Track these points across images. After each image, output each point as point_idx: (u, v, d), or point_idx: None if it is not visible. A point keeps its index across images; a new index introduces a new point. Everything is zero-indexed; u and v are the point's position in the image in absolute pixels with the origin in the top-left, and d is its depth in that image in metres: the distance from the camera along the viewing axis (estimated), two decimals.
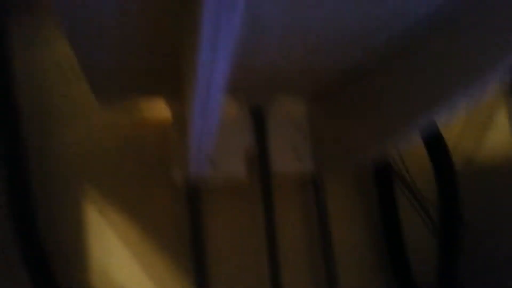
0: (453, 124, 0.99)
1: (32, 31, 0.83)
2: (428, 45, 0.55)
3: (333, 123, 0.83)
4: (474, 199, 0.93)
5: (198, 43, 0.34)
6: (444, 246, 0.84)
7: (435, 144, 0.84)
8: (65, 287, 0.74)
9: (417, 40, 0.56)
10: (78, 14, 0.43)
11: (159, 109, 0.84)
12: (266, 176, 0.85)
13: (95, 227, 0.81)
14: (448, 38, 0.52)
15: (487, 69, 0.47)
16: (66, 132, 0.83)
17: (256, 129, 0.85)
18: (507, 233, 0.87)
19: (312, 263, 0.90)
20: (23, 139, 0.71)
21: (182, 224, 0.83)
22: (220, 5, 0.31)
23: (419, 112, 0.57)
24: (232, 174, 0.83)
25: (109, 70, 0.60)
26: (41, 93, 0.83)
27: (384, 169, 0.91)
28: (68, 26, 0.46)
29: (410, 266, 0.89)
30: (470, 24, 0.49)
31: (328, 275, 0.87)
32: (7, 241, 0.70)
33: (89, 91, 0.66)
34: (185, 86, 0.49)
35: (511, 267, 0.87)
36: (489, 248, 0.92)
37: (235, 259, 0.86)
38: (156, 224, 0.84)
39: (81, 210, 0.81)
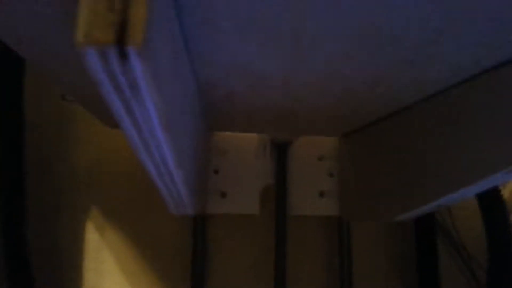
0: None
1: None
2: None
3: (363, 162, 0.71)
4: None
5: None
6: None
7: (489, 197, 0.70)
8: None
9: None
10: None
11: None
12: (282, 215, 0.77)
13: (93, 249, 0.77)
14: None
15: None
16: (77, 154, 0.80)
17: (277, 165, 0.78)
18: None
19: None
20: (24, 155, 0.69)
21: (185, 253, 0.78)
22: None
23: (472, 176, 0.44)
24: (245, 211, 0.77)
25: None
26: (54, 112, 0.81)
27: (426, 219, 0.78)
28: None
29: None
30: None
31: None
32: None
33: None
34: None
35: None
36: None
37: None
38: (156, 251, 0.78)
39: (81, 231, 0.78)
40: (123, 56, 0.20)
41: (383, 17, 0.30)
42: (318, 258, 0.81)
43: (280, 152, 0.78)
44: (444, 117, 0.44)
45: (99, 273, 0.77)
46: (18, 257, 0.67)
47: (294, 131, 0.74)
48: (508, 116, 0.36)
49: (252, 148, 0.78)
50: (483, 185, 0.39)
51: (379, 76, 0.40)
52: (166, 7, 0.27)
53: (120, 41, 0.20)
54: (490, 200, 0.69)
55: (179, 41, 0.31)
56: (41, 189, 0.77)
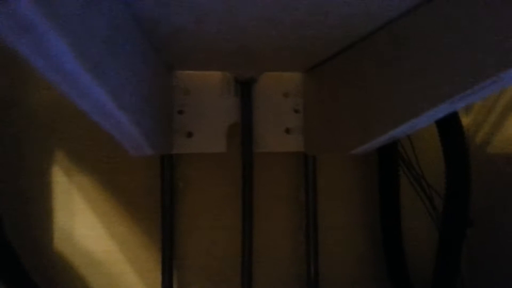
0: (477, 111, 0.85)
1: None
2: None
3: (326, 97, 0.71)
4: (483, 192, 0.81)
5: None
6: (445, 241, 0.75)
7: (450, 130, 0.71)
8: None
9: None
10: None
11: None
12: (249, 152, 0.77)
13: (62, 191, 0.77)
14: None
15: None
16: (36, 97, 0.77)
17: (243, 103, 0.77)
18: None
19: (292, 246, 0.84)
20: None
21: (155, 191, 0.79)
22: None
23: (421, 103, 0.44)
24: (212, 149, 0.77)
25: None
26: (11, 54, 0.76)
27: (388, 150, 0.80)
28: None
29: (406, 259, 0.81)
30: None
31: (309, 260, 0.81)
32: None
33: None
34: None
35: None
36: (493, 247, 0.81)
37: (207, 231, 0.81)
38: (126, 190, 0.79)
39: (48, 175, 0.78)
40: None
41: None
42: (284, 193, 0.84)
43: (245, 89, 0.77)
44: (394, 48, 0.43)
45: (70, 214, 0.78)
46: None
47: (257, 67, 0.72)
48: (453, 45, 0.35)
49: (216, 86, 0.77)
50: (431, 115, 0.39)
51: (326, 3, 0.38)
52: None
53: None
54: (449, 130, 0.70)
55: None
56: (3, 136, 0.75)
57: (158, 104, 0.60)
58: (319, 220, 0.82)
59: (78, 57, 0.25)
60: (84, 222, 0.79)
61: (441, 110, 0.39)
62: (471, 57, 0.33)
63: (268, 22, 0.43)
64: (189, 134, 0.76)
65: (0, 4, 0.19)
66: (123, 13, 0.37)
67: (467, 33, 0.34)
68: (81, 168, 0.79)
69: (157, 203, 0.79)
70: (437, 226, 0.79)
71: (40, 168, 0.78)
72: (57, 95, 0.78)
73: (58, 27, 0.22)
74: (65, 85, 0.29)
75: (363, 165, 0.86)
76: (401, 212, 0.80)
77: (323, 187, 0.83)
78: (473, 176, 0.71)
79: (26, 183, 0.77)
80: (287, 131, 0.79)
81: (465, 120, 0.86)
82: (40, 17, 0.21)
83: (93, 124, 0.76)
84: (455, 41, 0.36)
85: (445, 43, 0.35)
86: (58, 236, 0.78)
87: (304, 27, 0.46)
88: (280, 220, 0.84)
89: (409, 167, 0.81)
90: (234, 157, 0.79)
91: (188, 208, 0.81)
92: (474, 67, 0.34)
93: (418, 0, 0.37)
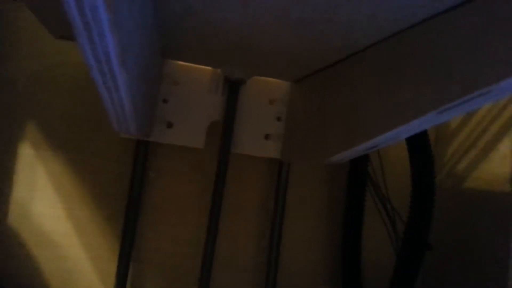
0: (446, 140, 0.90)
1: None
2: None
3: (310, 108, 0.73)
4: (451, 221, 0.86)
5: None
6: (401, 265, 0.77)
7: (420, 156, 0.75)
8: None
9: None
10: None
11: None
12: (226, 152, 0.78)
13: (26, 164, 0.74)
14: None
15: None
16: (16, 65, 0.74)
17: (228, 103, 0.78)
18: (472, 263, 0.80)
19: (254, 252, 0.84)
20: None
21: (124, 178, 0.77)
22: None
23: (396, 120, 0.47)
24: (190, 143, 0.77)
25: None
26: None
27: (358, 170, 0.83)
28: None
29: (361, 278, 0.82)
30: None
31: (269, 268, 0.81)
32: None
33: None
34: None
35: None
36: (450, 273, 0.84)
37: (171, 227, 0.80)
38: (95, 173, 0.77)
39: (14, 144, 0.74)
40: None
41: None
42: (254, 197, 0.84)
43: (233, 90, 0.78)
44: (385, 63, 0.46)
45: (31, 187, 0.75)
46: None
47: (249, 69, 0.74)
48: (438, 60, 0.38)
49: (205, 81, 0.77)
50: (415, 125, 0.42)
51: (336, 3, 0.40)
52: None
53: None
54: (420, 158, 0.74)
55: None
56: None
57: (149, 86, 0.60)
58: (284, 229, 0.83)
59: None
60: (44, 200, 0.75)
61: (428, 120, 0.41)
62: (462, 69, 0.36)
63: (276, 14, 0.45)
64: (169, 124, 0.76)
65: None
66: None
67: (460, 49, 0.37)
68: (51, 143, 0.76)
69: (124, 191, 0.77)
70: (395, 249, 0.82)
71: (9, 137, 0.75)
72: (38, 66, 0.76)
73: None
74: (81, 24, 0.29)
75: (333, 181, 0.88)
76: (363, 231, 0.82)
77: (292, 198, 0.84)
78: (437, 203, 0.74)
79: None
80: (267, 137, 0.80)
81: (435, 148, 0.90)
82: None
83: (70, 102, 0.76)
84: (448, 54, 0.39)
85: (437, 57, 0.38)
86: (14, 210, 0.74)
87: (308, 27, 0.48)
88: (246, 224, 0.84)
89: (376, 189, 0.84)
90: (210, 154, 0.80)
91: (156, 201, 0.80)
92: (464, 79, 0.36)
93: (422, 17, 0.41)
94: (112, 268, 0.76)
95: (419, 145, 0.74)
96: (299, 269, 0.86)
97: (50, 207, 0.76)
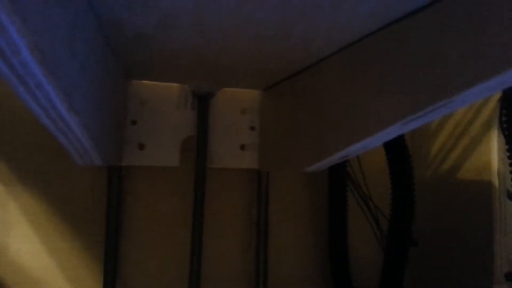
0: (423, 136, 0.90)
1: None
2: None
3: (283, 115, 0.72)
4: (434, 213, 0.86)
5: None
6: (388, 260, 0.77)
7: (396, 153, 0.75)
8: None
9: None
10: None
11: None
12: (202, 167, 0.76)
13: None
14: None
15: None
16: None
17: (199, 117, 0.76)
18: (455, 256, 0.80)
19: (242, 263, 0.83)
20: None
21: (100, 204, 0.75)
22: None
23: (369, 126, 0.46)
24: (165, 163, 0.75)
25: None
26: None
27: (338, 171, 0.82)
28: None
29: (351, 277, 0.82)
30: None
31: (258, 278, 0.80)
32: None
33: None
34: None
35: None
36: (437, 266, 0.85)
37: (154, 249, 0.78)
38: (69, 202, 0.74)
39: None
40: None
41: None
42: (237, 208, 0.83)
43: (202, 104, 0.77)
44: (347, 71, 0.45)
45: (5, 225, 0.72)
46: None
47: (215, 82, 0.72)
48: (404, 70, 0.37)
49: (173, 98, 0.76)
50: (382, 136, 0.41)
51: (290, 21, 0.39)
52: None
53: None
54: (396, 156, 0.74)
55: None
56: None
57: (111, 112, 0.58)
58: (270, 237, 0.82)
59: (31, 48, 0.24)
60: (20, 236, 0.73)
61: (394, 131, 0.41)
62: (425, 80, 0.35)
63: (232, 32, 0.43)
64: (141, 146, 0.74)
65: None
66: (86, 14, 0.35)
67: (419, 59, 0.36)
68: (20, 177, 0.74)
69: (102, 218, 0.75)
70: (381, 246, 0.82)
71: None
72: None
73: (19, 20, 0.21)
74: (14, 79, 0.27)
75: (314, 185, 0.88)
76: (348, 231, 0.82)
77: (275, 205, 0.83)
78: (418, 198, 0.74)
79: None
80: (242, 147, 0.79)
81: (411, 145, 0.91)
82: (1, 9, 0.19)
83: (34, 131, 0.73)
84: (408, 66, 0.38)
85: (398, 68, 0.37)
86: None
87: (267, 42, 0.47)
88: (231, 237, 0.82)
89: (357, 188, 0.83)
90: (186, 171, 0.78)
91: (135, 224, 0.78)
92: (427, 90, 0.36)
93: (374, 27, 0.40)
94: None
95: (394, 143, 0.73)
96: (288, 275, 0.86)
97: (27, 243, 0.73)
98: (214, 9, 0.38)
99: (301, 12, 0.37)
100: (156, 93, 0.75)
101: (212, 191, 0.79)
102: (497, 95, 0.71)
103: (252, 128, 0.79)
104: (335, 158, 0.49)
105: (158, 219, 0.79)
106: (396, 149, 0.74)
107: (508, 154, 0.65)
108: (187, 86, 0.75)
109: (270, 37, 0.45)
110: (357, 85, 0.44)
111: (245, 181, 0.83)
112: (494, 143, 0.71)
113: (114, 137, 0.64)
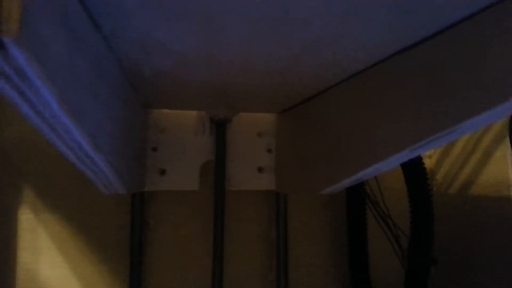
0: (450, 152, 0.90)
1: None
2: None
3: (298, 138, 0.74)
4: (454, 231, 0.85)
5: None
6: (410, 279, 0.77)
7: (414, 173, 0.75)
8: None
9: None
10: None
11: None
12: (221, 190, 0.78)
13: (27, 229, 0.75)
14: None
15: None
16: (6, 133, 0.76)
17: (217, 142, 0.79)
18: (477, 270, 0.79)
19: (262, 285, 0.84)
20: None
21: (124, 229, 0.77)
22: None
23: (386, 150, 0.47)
24: (185, 187, 0.78)
25: None
26: None
27: (356, 190, 0.83)
28: None
29: None
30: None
31: None
32: None
33: None
34: None
35: None
36: (458, 283, 0.84)
37: (177, 272, 0.80)
38: (95, 228, 0.77)
39: (14, 211, 0.75)
40: (1, 45, 0.20)
41: (285, 2, 0.31)
42: (256, 231, 0.84)
43: (220, 129, 0.79)
44: (360, 97, 0.47)
45: (35, 252, 0.76)
46: None
47: (232, 108, 0.75)
48: (409, 99, 0.38)
49: (191, 125, 0.78)
50: (391, 161, 0.42)
51: (296, 55, 0.42)
52: None
53: None
54: (414, 174, 0.74)
55: (81, 22, 0.31)
56: None
57: (132, 143, 0.61)
58: (290, 259, 0.83)
59: (61, 103, 0.27)
60: (49, 262, 0.76)
61: (402, 157, 0.42)
62: (431, 109, 0.36)
63: (242, 68, 0.46)
64: (162, 172, 0.77)
65: None
66: (107, 58, 0.38)
67: (423, 88, 0.37)
68: (48, 205, 0.77)
69: (126, 242, 0.78)
70: (402, 264, 0.81)
71: (7, 204, 0.76)
72: (27, 132, 0.77)
73: (45, 75, 0.23)
74: (46, 127, 0.30)
75: (332, 204, 0.88)
76: (369, 250, 0.82)
77: (294, 226, 0.84)
78: (437, 216, 0.74)
79: None
80: (260, 170, 0.81)
81: (429, 163, 0.91)
82: (29, 64, 0.22)
83: (61, 161, 0.76)
84: (412, 95, 0.40)
85: (403, 97, 0.39)
86: (21, 276, 0.75)
87: (276, 73, 0.49)
88: (251, 259, 0.84)
89: (376, 207, 0.84)
90: (206, 195, 0.80)
91: (158, 247, 0.80)
92: (433, 119, 0.37)
93: (384, 55, 0.41)
94: None
95: (411, 161, 0.74)
96: None
97: (55, 268, 0.76)
98: (223, 48, 0.40)
99: (306, 47, 0.39)
100: (175, 120, 0.78)
101: (232, 213, 0.81)
102: None
103: (269, 151, 0.81)
104: (347, 182, 0.51)
105: (180, 242, 0.81)
106: (413, 168, 0.74)
107: None
108: (205, 112, 0.77)
109: (278, 69, 0.47)
110: (365, 112, 0.46)
111: (263, 203, 0.85)
112: (509, 156, 0.70)
113: (136, 165, 0.67)
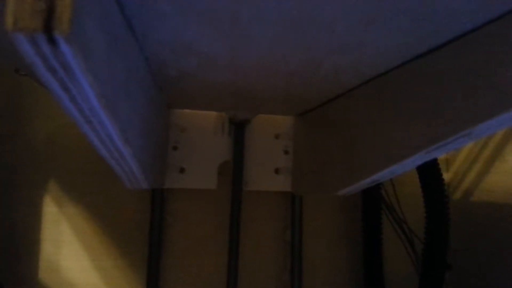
0: (461, 156, 0.90)
1: None
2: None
3: (315, 140, 0.75)
4: (467, 236, 0.85)
5: None
6: (424, 284, 0.77)
7: (430, 178, 0.75)
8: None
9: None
10: None
11: None
12: (238, 190, 0.80)
13: (51, 221, 0.78)
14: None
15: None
16: (33, 129, 0.80)
17: (235, 143, 0.81)
18: (493, 274, 0.79)
19: (276, 284, 0.85)
20: None
21: (143, 225, 0.80)
22: None
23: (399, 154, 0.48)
24: (203, 185, 0.80)
25: None
26: (15, 87, 0.80)
27: (372, 194, 0.83)
28: None
29: None
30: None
31: None
32: None
33: None
34: None
35: None
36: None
37: (193, 268, 0.82)
38: (114, 223, 0.80)
39: (38, 204, 0.79)
40: (52, 41, 0.22)
41: (313, 5, 0.33)
42: (271, 232, 0.86)
43: (238, 130, 0.81)
44: (377, 100, 0.48)
45: (57, 244, 0.79)
46: None
47: (251, 110, 0.77)
48: (429, 101, 0.39)
49: (211, 125, 0.80)
50: (407, 163, 0.43)
51: (319, 58, 0.43)
52: None
53: (48, 28, 0.21)
54: (430, 179, 0.75)
55: (118, 22, 0.33)
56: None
57: (156, 141, 0.63)
58: (304, 260, 0.84)
59: (99, 97, 0.29)
60: (71, 254, 0.79)
61: (418, 159, 0.43)
62: (447, 111, 0.37)
63: (265, 71, 0.48)
64: (182, 170, 0.79)
65: (46, 46, 0.22)
66: (138, 57, 0.41)
67: (440, 91, 0.39)
68: (72, 199, 0.80)
69: (145, 238, 0.80)
70: (417, 269, 0.81)
71: (32, 198, 0.79)
72: (53, 128, 0.81)
73: (88, 70, 0.26)
74: (82, 120, 0.32)
75: (347, 208, 0.89)
76: (383, 255, 0.83)
77: (309, 228, 0.85)
78: (453, 224, 0.74)
79: (18, 211, 0.78)
80: (276, 171, 0.82)
81: (447, 175, 0.91)
82: (75, 60, 0.24)
83: (85, 159, 0.80)
84: (429, 99, 0.41)
85: (420, 100, 0.40)
86: (44, 266, 0.78)
87: (298, 76, 0.50)
88: (265, 259, 0.85)
89: (391, 212, 0.84)
90: (223, 194, 0.82)
91: (175, 243, 0.82)
92: (449, 121, 0.38)
93: (402, 60, 0.43)
94: None
95: (427, 166, 0.74)
96: None
97: (76, 260, 0.79)
98: (248, 52, 0.42)
99: (328, 51, 0.41)
100: (195, 120, 0.80)
101: (248, 213, 0.82)
102: None
103: (286, 152, 0.82)
104: (364, 183, 0.52)
105: (197, 239, 0.83)
106: (429, 173, 0.74)
107: None
108: (225, 113, 0.79)
109: (299, 72, 0.48)
110: (382, 115, 0.47)
111: (279, 204, 0.86)
112: None
113: (158, 162, 0.70)
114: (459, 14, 0.34)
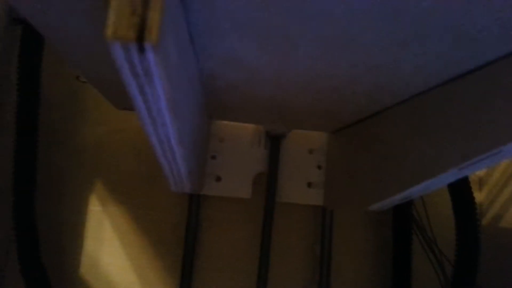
0: (495, 175, 0.90)
1: None
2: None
3: (348, 157, 0.78)
4: (497, 258, 0.84)
5: None
6: None
7: (462, 200, 0.76)
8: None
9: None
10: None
11: None
12: (271, 201, 0.83)
13: (94, 219, 0.84)
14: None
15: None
16: (85, 132, 0.86)
17: (271, 155, 0.84)
18: None
19: None
20: (37, 133, 0.75)
21: (179, 228, 0.84)
22: None
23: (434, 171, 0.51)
24: (238, 194, 0.83)
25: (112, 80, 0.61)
26: (71, 95, 0.87)
27: (403, 213, 0.84)
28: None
29: None
30: None
31: None
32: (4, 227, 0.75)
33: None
34: None
35: None
36: None
37: (225, 273, 0.85)
38: (153, 224, 0.85)
39: (84, 203, 0.84)
40: (141, 50, 0.27)
41: (355, 28, 0.36)
42: (301, 244, 0.88)
43: (274, 143, 0.85)
44: (408, 120, 0.51)
45: (99, 241, 0.84)
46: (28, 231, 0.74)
47: (287, 124, 0.80)
48: (457, 123, 0.42)
49: (248, 137, 0.85)
50: (439, 180, 0.45)
51: (357, 76, 0.47)
52: (176, 10, 0.33)
53: (140, 39, 0.26)
54: (461, 200, 0.75)
55: (185, 37, 0.38)
56: (50, 164, 0.83)
57: (200, 148, 0.68)
58: (332, 274, 0.85)
59: (169, 100, 0.33)
60: (110, 251, 0.84)
61: (451, 176, 0.45)
62: (473, 133, 0.40)
63: (307, 86, 0.51)
64: (218, 178, 0.83)
65: (136, 54, 0.27)
66: (195, 68, 0.46)
67: (472, 112, 0.41)
68: (115, 199, 0.86)
69: (180, 240, 0.84)
70: None
71: (78, 196, 0.85)
72: (101, 133, 0.87)
73: (165, 76, 0.30)
74: (148, 120, 0.37)
75: (378, 226, 0.90)
76: (412, 275, 0.83)
77: (339, 243, 0.87)
78: (484, 248, 0.74)
79: (65, 209, 0.84)
80: (309, 185, 0.85)
81: (479, 195, 0.91)
82: (157, 66, 0.29)
83: (128, 160, 0.85)
84: (461, 119, 0.43)
85: (452, 120, 0.43)
86: (85, 262, 0.83)
87: (337, 93, 0.54)
88: (294, 270, 0.87)
89: (422, 232, 0.85)
90: (257, 204, 0.85)
91: (209, 248, 0.86)
92: (481, 139, 0.40)
93: (438, 81, 0.45)
94: None
95: (459, 187, 0.75)
96: None
97: (116, 258, 0.84)
98: (292, 67, 0.46)
99: (367, 70, 0.44)
100: (234, 132, 0.84)
101: (279, 224, 0.85)
102: None
103: (319, 167, 0.85)
104: (395, 199, 0.54)
105: (229, 245, 0.86)
106: (461, 194, 0.75)
107: None
108: (262, 127, 0.84)
109: (337, 88, 0.52)
110: (415, 132, 0.50)
111: (310, 217, 0.89)
112: None
113: (199, 169, 0.74)
114: (498, 39, 0.37)
